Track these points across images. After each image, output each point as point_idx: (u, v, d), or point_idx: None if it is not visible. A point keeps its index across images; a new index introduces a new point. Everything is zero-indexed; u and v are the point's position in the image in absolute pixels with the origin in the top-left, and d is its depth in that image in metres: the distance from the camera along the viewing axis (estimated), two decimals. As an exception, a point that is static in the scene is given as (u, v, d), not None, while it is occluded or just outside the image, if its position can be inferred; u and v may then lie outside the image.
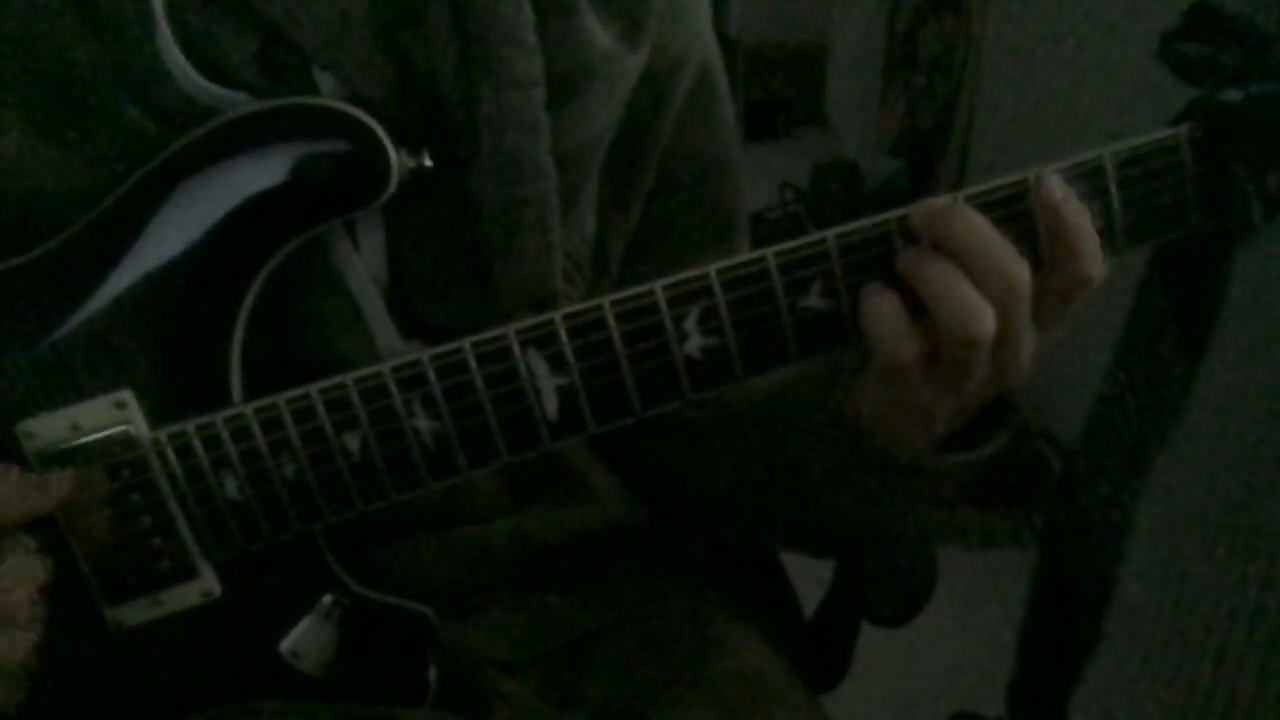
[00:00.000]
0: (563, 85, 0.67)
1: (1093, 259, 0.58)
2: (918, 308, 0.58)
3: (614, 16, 0.70)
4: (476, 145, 0.65)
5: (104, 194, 0.62)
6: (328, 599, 0.67)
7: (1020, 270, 0.57)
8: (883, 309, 0.59)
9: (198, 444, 0.62)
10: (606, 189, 0.74)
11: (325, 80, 0.64)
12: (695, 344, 0.60)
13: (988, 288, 0.57)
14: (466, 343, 0.60)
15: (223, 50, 0.63)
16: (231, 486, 0.62)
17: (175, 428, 0.62)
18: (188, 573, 0.64)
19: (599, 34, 0.69)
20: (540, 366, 0.60)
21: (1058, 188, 0.58)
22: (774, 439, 0.73)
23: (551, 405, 0.61)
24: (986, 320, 0.57)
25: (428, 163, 0.63)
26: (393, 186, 0.62)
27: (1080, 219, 0.58)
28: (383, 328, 0.68)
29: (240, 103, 0.63)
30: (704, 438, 0.78)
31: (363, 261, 0.67)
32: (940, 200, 0.58)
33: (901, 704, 1.62)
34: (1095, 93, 1.74)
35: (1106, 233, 0.59)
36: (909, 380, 0.60)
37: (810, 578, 0.95)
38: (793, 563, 0.95)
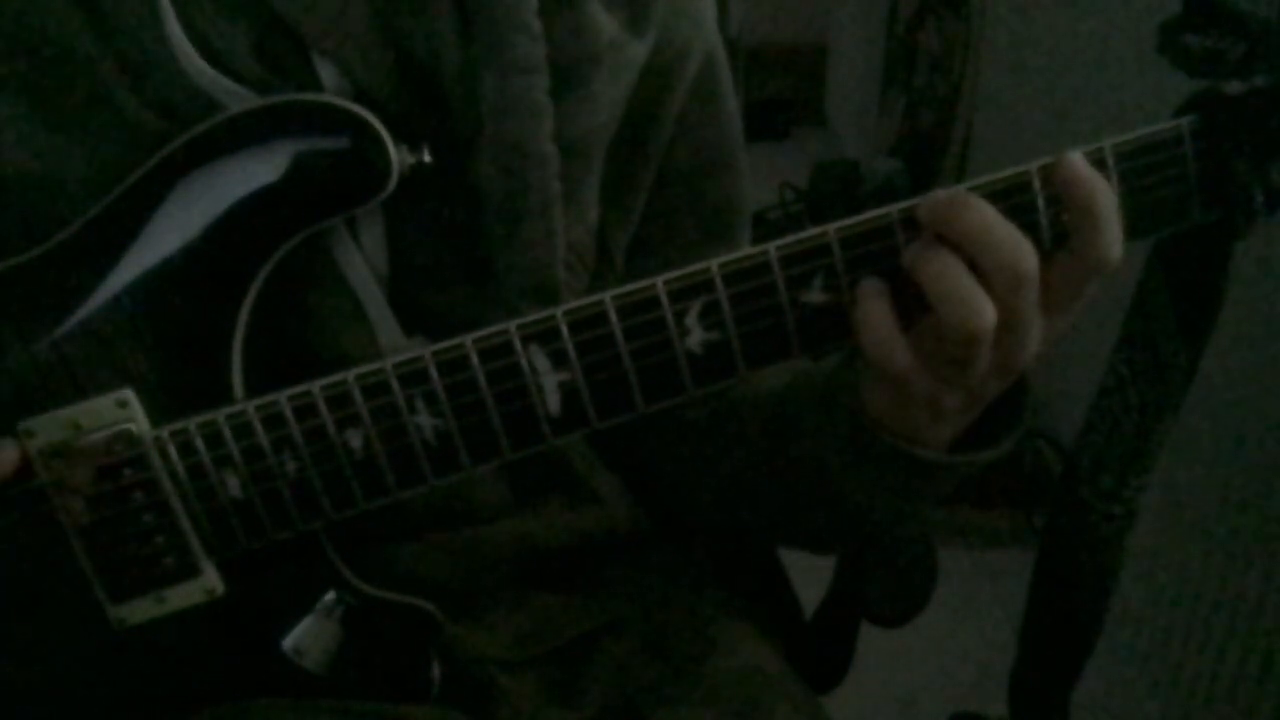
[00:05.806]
0: (567, 72, 0.67)
1: (1115, 241, 0.57)
2: (919, 301, 0.58)
3: (618, 4, 0.70)
4: (478, 132, 0.65)
5: (103, 182, 0.62)
6: (330, 596, 0.67)
7: (1027, 258, 0.56)
8: (871, 316, 0.58)
9: (199, 442, 0.62)
10: (609, 179, 0.74)
11: (325, 68, 0.65)
12: (697, 339, 0.60)
13: (995, 278, 0.56)
14: (468, 339, 0.60)
15: (222, 39, 0.63)
16: (234, 484, 0.62)
17: (177, 425, 0.62)
18: (191, 570, 0.64)
19: (604, 21, 0.69)
20: (542, 362, 0.60)
21: (1085, 164, 0.56)
22: (779, 437, 0.72)
23: (554, 401, 0.61)
24: (986, 315, 0.56)
25: (428, 159, 0.64)
26: (393, 184, 0.62)
27: (1107, 198, 0.56)
28: (385, 324, 0.68)
29: (242, 98, 0.63)
30: (705, 436, 0.78)
31: (364, 257, 0.67)
32: (947, 191, 0.57)
33: (901, 704, 1.62)
34: (1095, 92, 1.74)
35: None
36: (908, 381, 0.59)
37: (810, 578, 0.94)
38: (793, 563, 0.94)
